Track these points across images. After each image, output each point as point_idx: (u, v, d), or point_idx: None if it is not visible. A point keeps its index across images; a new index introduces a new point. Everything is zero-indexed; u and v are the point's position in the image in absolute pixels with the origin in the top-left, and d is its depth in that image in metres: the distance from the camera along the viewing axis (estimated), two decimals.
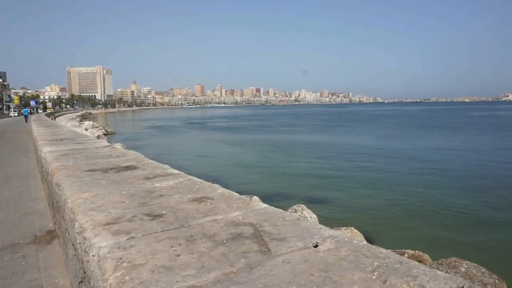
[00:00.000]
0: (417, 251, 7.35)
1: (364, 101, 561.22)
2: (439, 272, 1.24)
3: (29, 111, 45.47)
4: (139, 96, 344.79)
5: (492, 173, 17.15)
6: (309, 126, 57.27)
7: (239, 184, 15.53)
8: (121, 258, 1.63)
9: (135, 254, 1.67)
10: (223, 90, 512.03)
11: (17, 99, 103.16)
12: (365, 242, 1.63)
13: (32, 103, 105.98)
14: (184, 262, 1.57)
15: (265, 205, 2.33)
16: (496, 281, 5.89)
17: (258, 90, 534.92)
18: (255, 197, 12.14)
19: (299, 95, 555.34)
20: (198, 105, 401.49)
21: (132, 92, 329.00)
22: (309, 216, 9.81)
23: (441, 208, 11.87)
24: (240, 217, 2.15)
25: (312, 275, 1.37)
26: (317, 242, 1.61)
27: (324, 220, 10.55)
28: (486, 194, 13.42)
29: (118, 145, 19.89)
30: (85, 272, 2.03)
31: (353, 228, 8.94)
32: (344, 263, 1.40)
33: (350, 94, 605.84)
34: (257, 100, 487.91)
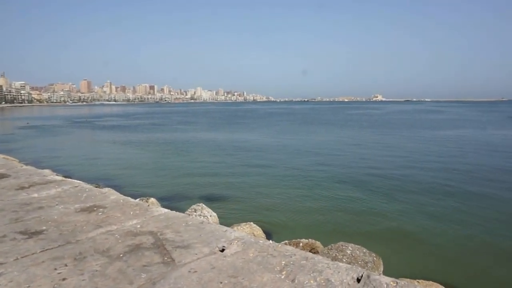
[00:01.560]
0: (310, 240, 7.86)
1: (258, 100, 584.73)
2: (341, 264, 1.32)
3: None
4: (10, 92, 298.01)
5: (369, 163, 19.54)
6: (206, 123, 57.23)
7: (135, 187, 14.64)
8: None
9: (6, 284, 1.37)
10: (113, 87, 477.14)
11: None
12: (271, 241, 1.64)
13: None
14: (72, 287, 1.34)
15: (166, 210, 2.16)
16: (375, 258, 6.66)
17: (152, 87, 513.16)
18: (152, 199, 11.58)
19: (195, 93, 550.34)
20: (84, 103, 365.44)
21: (0, 86, 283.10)
22: (209, 214, 9.75)
23: (328, 196, 13.02)
24: (139, 226, 1.95)
25: (221, 283, 1.30)
26: (224, 246, 1.55)
27: (224, 217, 10.61)
28: (366, 182, 15.19)
29: None
30: None
31: (252, 223, 9.17)
32: (253, 265, 1.37)
33: (245, 93, 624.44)
34: (151, 98, 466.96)
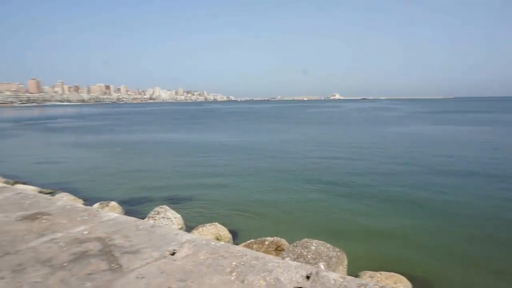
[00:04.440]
0: (275, 237, 7.91)
1: (219, 99, 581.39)
2: (291, 262, 1.33)
3: None
4: None
5: (333, 161, 20.01)
6: (167, 124, 56.00)
7: (94, 191, 14.05)
8: None
9: None
10: (65, 87, 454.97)
11: None
12: (222, 243, 1.62)
13: None
14: None
15: (116, 214, 2.08)
16: (338, 253, 6.83)
17: (108, 87, 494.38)
18: (113, 203, 11.17)
19: (153, 93, 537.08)
20: (34, 104, 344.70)
21: None
22: (173, 216, 9.56)
23: (294, 194, 13.17)
24: (86, 232, 1.87)
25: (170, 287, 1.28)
26: (174, 250, 1.52)
27: (189, 219, 10.46)
28: (331, 179, 15.47)
29: None
30: None
31: (217, 223, 9.09)
32: (203, 268, 1.35)
33: (205, 93, 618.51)
34: (107, 98, 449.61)
